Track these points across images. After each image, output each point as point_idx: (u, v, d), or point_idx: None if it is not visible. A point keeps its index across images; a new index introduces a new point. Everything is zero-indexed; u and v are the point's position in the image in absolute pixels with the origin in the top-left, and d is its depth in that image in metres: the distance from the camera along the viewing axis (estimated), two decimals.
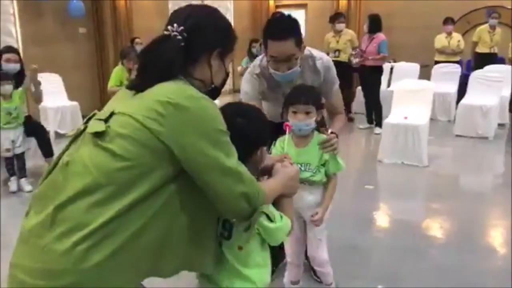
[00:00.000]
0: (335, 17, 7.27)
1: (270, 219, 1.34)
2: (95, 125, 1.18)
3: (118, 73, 5.35)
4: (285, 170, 1.46)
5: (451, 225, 3.56)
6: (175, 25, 1.27)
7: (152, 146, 1.12)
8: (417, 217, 3.70)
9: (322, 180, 2.17)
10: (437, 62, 7.81)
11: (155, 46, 1.28)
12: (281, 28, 2.07)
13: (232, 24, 1.51)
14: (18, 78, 4.34)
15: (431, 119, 5.47)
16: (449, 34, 7.72)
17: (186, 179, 1.18)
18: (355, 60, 6.71)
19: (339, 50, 7.07)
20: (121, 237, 1.10)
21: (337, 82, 2.39)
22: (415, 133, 4.96)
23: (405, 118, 5.07)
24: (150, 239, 1.14)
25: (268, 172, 1.50)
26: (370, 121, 6.91)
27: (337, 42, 7.10)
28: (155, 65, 1.24)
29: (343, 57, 6.98)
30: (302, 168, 2.11)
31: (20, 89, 4.33)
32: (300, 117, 2.04)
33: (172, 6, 8.77)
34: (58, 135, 6.38)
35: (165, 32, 1.28)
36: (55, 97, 6.54)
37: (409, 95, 5.34)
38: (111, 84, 5.35)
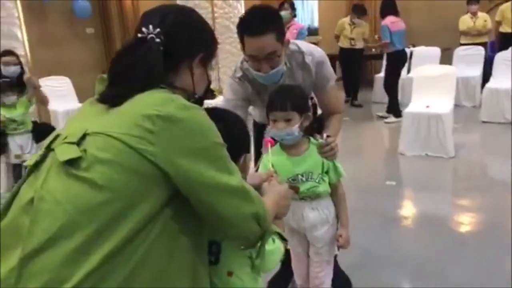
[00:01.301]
0: (356, 11, 7.26)
1: None
2: (67, 150, 0.97)
3: None
4: (276, 188, 1.32)
5: (483, 221, 3.28)
6: (150, 26, 1.09)
7: (141, 171, 0.94)
8: (445, 214, 3.44)
9: (327, 191, 1.94)
10: (462, 45, 7.42)
11: (128, 50, 1.09)
12: (257, 21, 1.79)
13: None
14: (20, 82, 4.22)
15: (455, 105, 5.16)
16: (474, 14, 7.31)
17: (180, 201, 1.00)
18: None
19: (353, 39, 7.27)
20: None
21: (332, 78, 2.11)
22: (439, 122, 4.65)
23: (427, 107, 4.76)
24: (144, 281, 0.94)
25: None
26: (389, 111, 6.62)
27: (351, 31, 7.24)
28: (132, 73, 1.06)
29: (359, 45, 7.24)
30: (303, 179, 1.88)
31: (24, 98, 4.21)
32: (280, 126, 1.80)
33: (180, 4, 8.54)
34: None
35: (139, 35, 1.09)
36: (64, 100, 6.39)
37: (430, 82, 5.03)
38: None
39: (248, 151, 1.32)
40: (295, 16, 5.91)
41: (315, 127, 2.00)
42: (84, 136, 0.98)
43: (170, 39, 1.10)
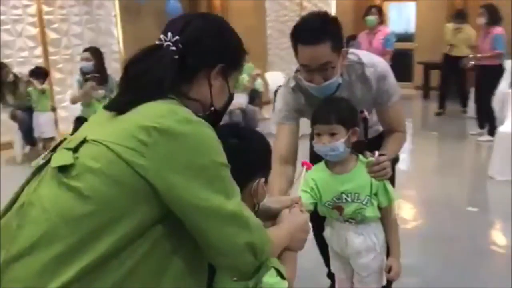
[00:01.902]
0: (456, 17, 6.90)
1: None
2: (61, 157, 0.94)
3: None
4: (294, 218, 1.23)
5: None
6: (169, 34, 1.05)
7: (130, 184, 0.89)
8: None
9: (375, 215, 1.73)
10: None
11: (142, 58, 1.05)
12: (312, 29, 1.64)
13: None
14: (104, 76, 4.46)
15: None
16: None
17: (177, 219, 0.93)
18: (469, 63, 6.05)
19: (453, 45, 6.82)
20: None
21: (395, 94, 1.88)
22: None
23: None
24: None
25: (274, 218, 1.22)
26: (481, 126, 6.02)
27: (453, 37, 6.83)
28: (141, 80, 1.02)
29: (456, 52, 6.69)
30: (349, 199, 1.69)
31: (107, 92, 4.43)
32: (324, 140, 1.64)
33: (269, 6, 8.54)
34: None
35: (157, 42, 1.06)
36: None
37: None
38: None
39: (264, 175, 1.19)
40: (382, 22, 5.59)
41: (366, 143, 1.80)
42: (82, 143, 0.94)
43: (188, 48, 1.04)
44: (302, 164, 1.47)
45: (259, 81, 6.15)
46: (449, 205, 3.81)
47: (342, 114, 1.64)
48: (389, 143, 1.87)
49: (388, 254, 1.83)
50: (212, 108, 1.11)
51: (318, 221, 1.95)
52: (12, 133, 5.33)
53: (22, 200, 0.95)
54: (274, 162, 1.93)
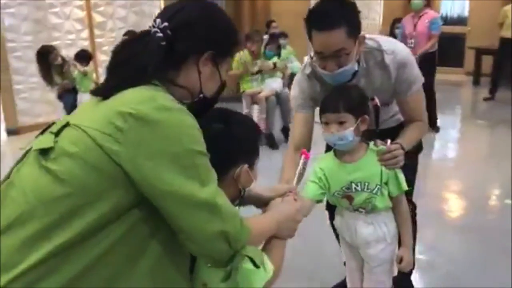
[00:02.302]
0: None
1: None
2: (43, 140, 0.98)
3: (239, 57, 5.22)
4: (283, 206, 1.20)
5: None
6: (158, 20, 1.05)
7: (104, 169, 0.91)
8: None
9: (386, 205, 1.68)
10: None
11: (129, 43, 1.08)
12: (326, 14, 1.57)
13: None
14: None
15: None
16: None
17: (153, 205, 0.95)
18: None
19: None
20: (59, 279, 0.89)
21: (417, 83, 1.78)
22: None
23: None
24: (98, 279, 0.92)
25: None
26: None
27: None
28: (125, 66, 1.03)
29: None
30: (358, 189, 1.65)
31: None
32: (332, 129, 1.59)
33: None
34: None
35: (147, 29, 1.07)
36: None
37: None
38: (232, 68, 5.26)
39: (250, 161, 1.17)
40: (428, 4, 5.34)
41: (378, 132, 1.74)
42: (64, 127, 0.97)
43: (177, 34, 1.05)
44: (301, 154, 1.44)
45: (296, 64, 6.03)
46: (482, 197, 3.66)
47: (350, 102, 1.59)
48: (407, 133, 1.80)
49: (400, 244, 1.79)
50: (201, 95, 1.11)
51: (333, 209, 1.93)
52: (59, 112, 5.58)
53: (8, 180, 0.99)
54: (289, 150, 1.92)
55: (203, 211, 0.93)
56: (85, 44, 6.19)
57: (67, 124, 0.97)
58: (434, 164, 4.61)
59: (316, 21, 1.60)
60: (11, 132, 5.82)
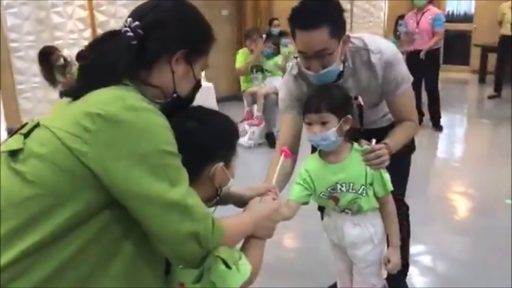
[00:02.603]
0: None
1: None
2: (13, 142, 0.98)
3: (240, 55, 5.21)
4: (261, 206, 1.19)
5: None
6: (129, 19, 1.04)
7: (72, 171, 0.90)
8: None
9: (372, 206, 1.66)
10: None
11: (99, 43, 1.07)
12: (308, 13, 1.54)
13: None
14: None
15: None
16: None
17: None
18: None
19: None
20: (32, 279, 0.89)
21: (405, 82, 1.75)
22: None
23: None
24: (70, 279, 0.92)
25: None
26: None
27: None
28: (95, 66, 1.03)
29: None
30: (343, 189, 1.63)
31: None
32: (315, 129, 1.57)
33: None
34: None
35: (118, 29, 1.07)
36: None
37: None
38: (237, 65, 5.24)
39: (226, 159, 1.15)
40: (431, 1, 5.28)
41: (362, 132, 1.71)
42: (34, 128, 0.97)
43: (148, 33, 1.03)
44: (281, 152, 1.42)
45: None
46: (483, 198, 3.62)
47: (333, 102, 1.57)
48: (395, 133, 1.77)
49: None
50: (175, 95, 1.09)
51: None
52: None
53: None
54: (276, 151, 1.90)
55: (173, 212, 0.92)
56: None
57: (37, 125, 0.97)
58: (437, 163, 4.55)
59: (298, 20, 1.58)
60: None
